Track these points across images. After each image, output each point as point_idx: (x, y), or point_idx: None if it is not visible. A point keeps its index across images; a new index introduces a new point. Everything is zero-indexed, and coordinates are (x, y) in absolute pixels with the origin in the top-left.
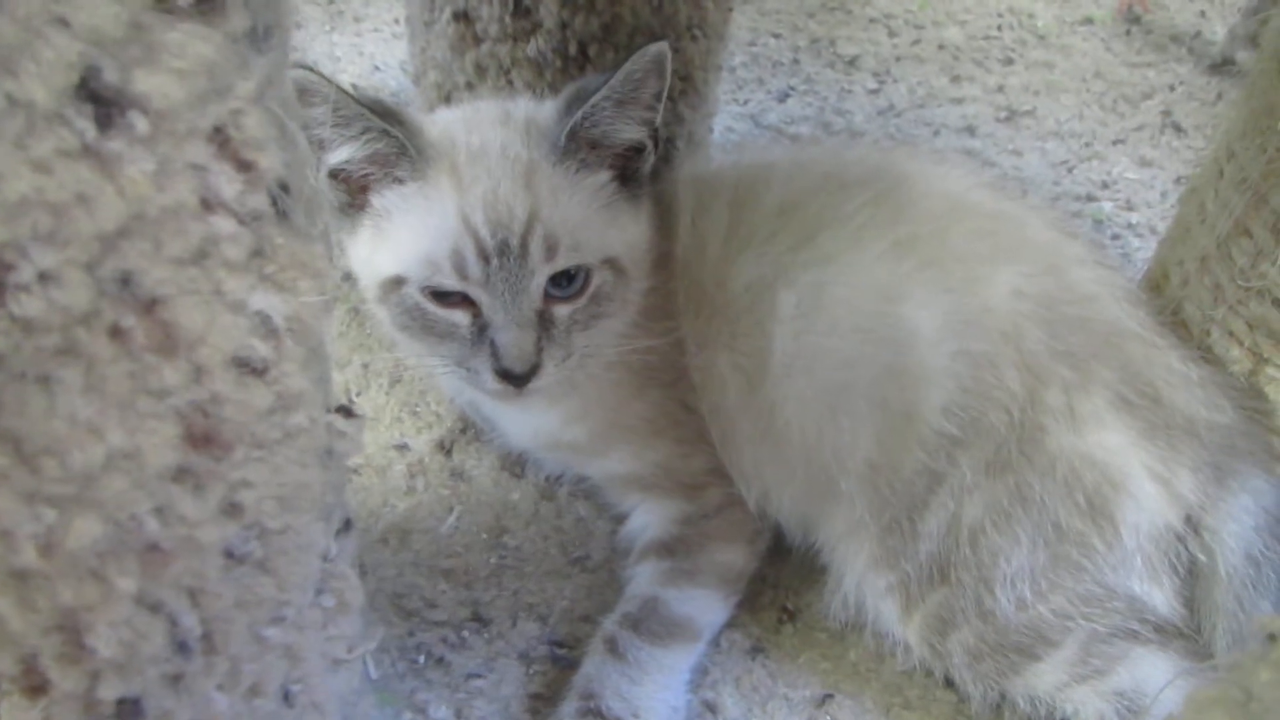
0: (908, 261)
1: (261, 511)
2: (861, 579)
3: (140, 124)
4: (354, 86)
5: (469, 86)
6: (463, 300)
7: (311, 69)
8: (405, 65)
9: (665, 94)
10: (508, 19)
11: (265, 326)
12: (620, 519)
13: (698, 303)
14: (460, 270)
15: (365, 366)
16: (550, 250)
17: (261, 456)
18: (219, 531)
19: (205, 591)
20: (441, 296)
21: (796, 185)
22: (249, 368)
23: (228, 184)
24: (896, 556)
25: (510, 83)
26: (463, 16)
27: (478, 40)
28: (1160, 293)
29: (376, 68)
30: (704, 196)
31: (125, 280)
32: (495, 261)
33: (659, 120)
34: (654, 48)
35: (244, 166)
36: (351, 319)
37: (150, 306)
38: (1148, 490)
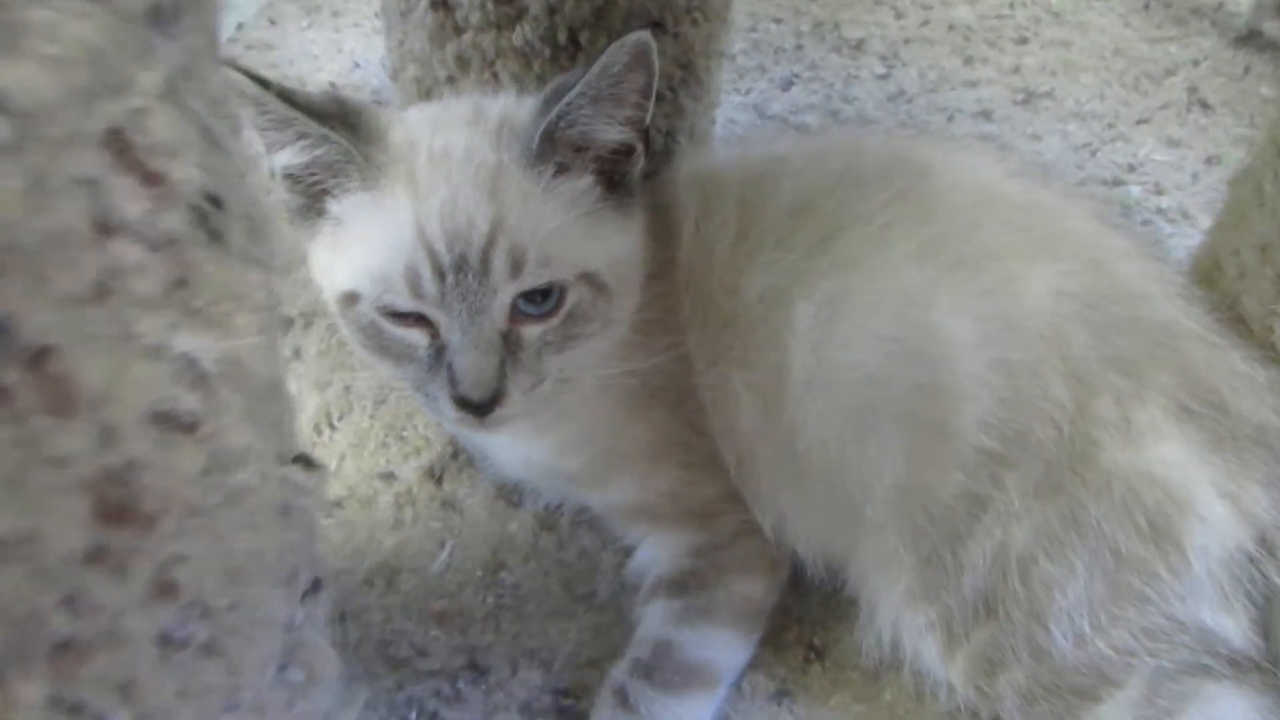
0: (936, 263)
1: (202, 588)
2: (897, 615)
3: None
4: (332, 85)
5: (450, 81)
6: (421, 319)
7: (234, 65)
8: (385, 61)
9: (653, 89)
10: (490, 6)
11: (191, 373)
12: (628, 550)
13: (705, 314)
14: (415, 288)
15: (347, 388)
16: (516, 266)
17: (198, 525)
18: (149, 618)
19: (138, 685)
20: (398, 315)
21: (810, 181)
22: (173, 424)
23: (130, 201)
24: (937, 590)
25: (495, 76)
26: (441, 4)
27: (458, 30)
28: (1214, 286)
29: (356, 64)
30: (709, 196)
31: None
32: (451, 278)
33: (648, 119)
34: (633, 37)
35: (151, 179)
36: (332, 336)
37: (37, 358)
38: (1216, 509)
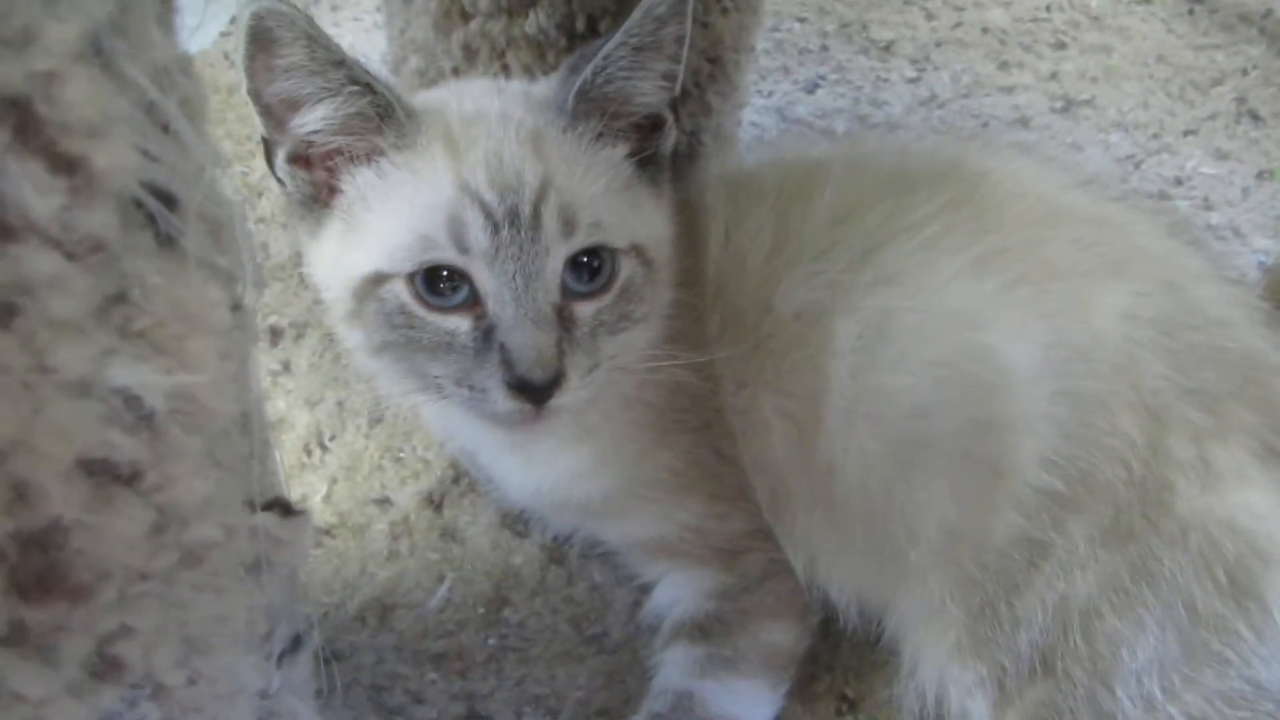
0: (993, 280)
1: (153, 664)
2: (943, 669)
3: None
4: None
5: (456, 72)
6: (462, 304)
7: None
8: (386, 57)
9: (686, 41)
10: None
11: (132, 412)
12: (645, 587)
13: (736, 331)
14: (459, 241)
15: (340, 404)
16: (568, 225)
17: (146, 592)
18: (85, 705)
19: None
20: (435, 297)
21: (854, 189)
22: (109, 475)
23: (36, 194)
24: (988, 645)
25: (505, 67)
26: None
27: (466, 16)
28: None
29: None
30: (741, 202)
31: None
32: (505, 232)
33: (681, 77)
34: None
35: (65, 164)
36: (325, 348)
37: None
38: None
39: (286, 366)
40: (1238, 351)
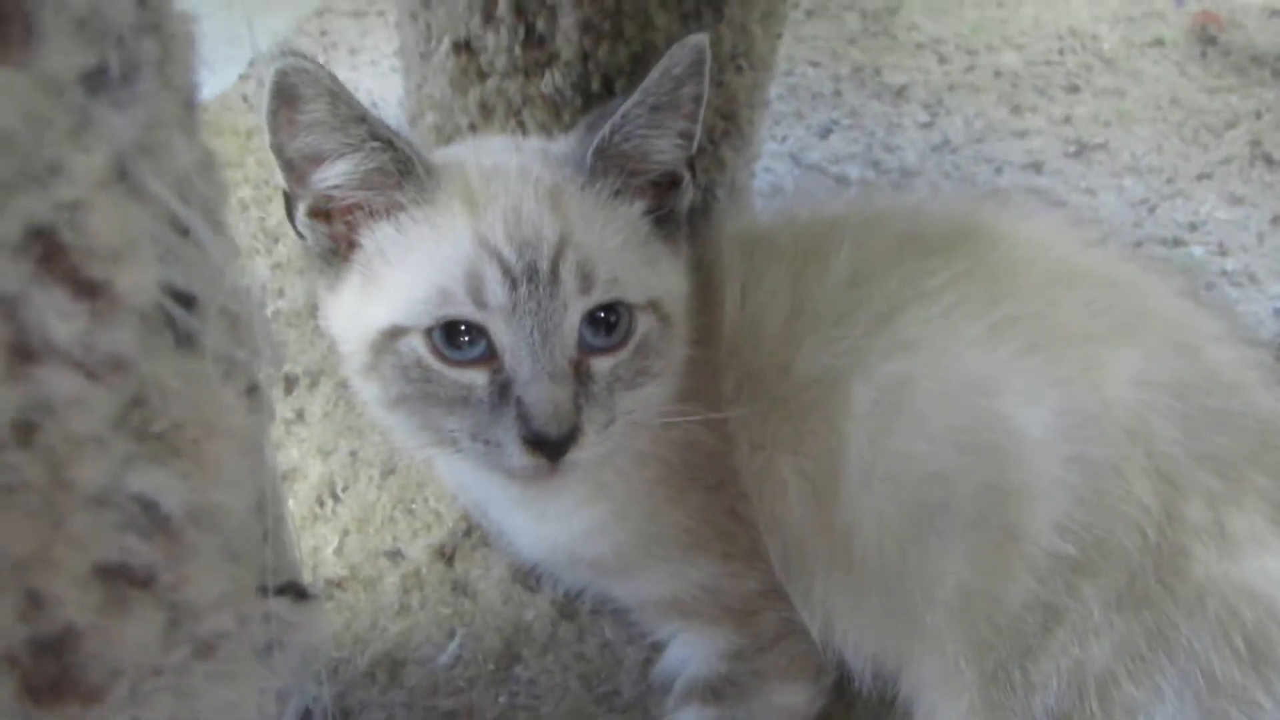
0: (1007, 348)
1: None
2: None
3: None
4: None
5: (472, 128)
6: (479, 358)
7: (303, 56)
8: (403, 102)
9: (704, 99)
10: (518, 49)
11: (149, 516)
12: (657, 645)
13: (752, 392)
14: (477, 296)
15: (354, 455)
16: (586, 280)
17: (159, 687)
18: None
19: None
20: (452, 351)
21: (870, 250)
22: (125, 578)
23: (59, 319)
24: (1003, 710)
25: (521, 125)
26: (464, 47)
27: (482, 75)
28: None
29: (373, 104)
30: (756, 261)
31: None
32: (523, 288)
33: (696, 139)
34: (692, 40)
35: (88, 290)
36: (339, 396)
37: None
38: None
39: (300, 415)
40: (1253, 415)
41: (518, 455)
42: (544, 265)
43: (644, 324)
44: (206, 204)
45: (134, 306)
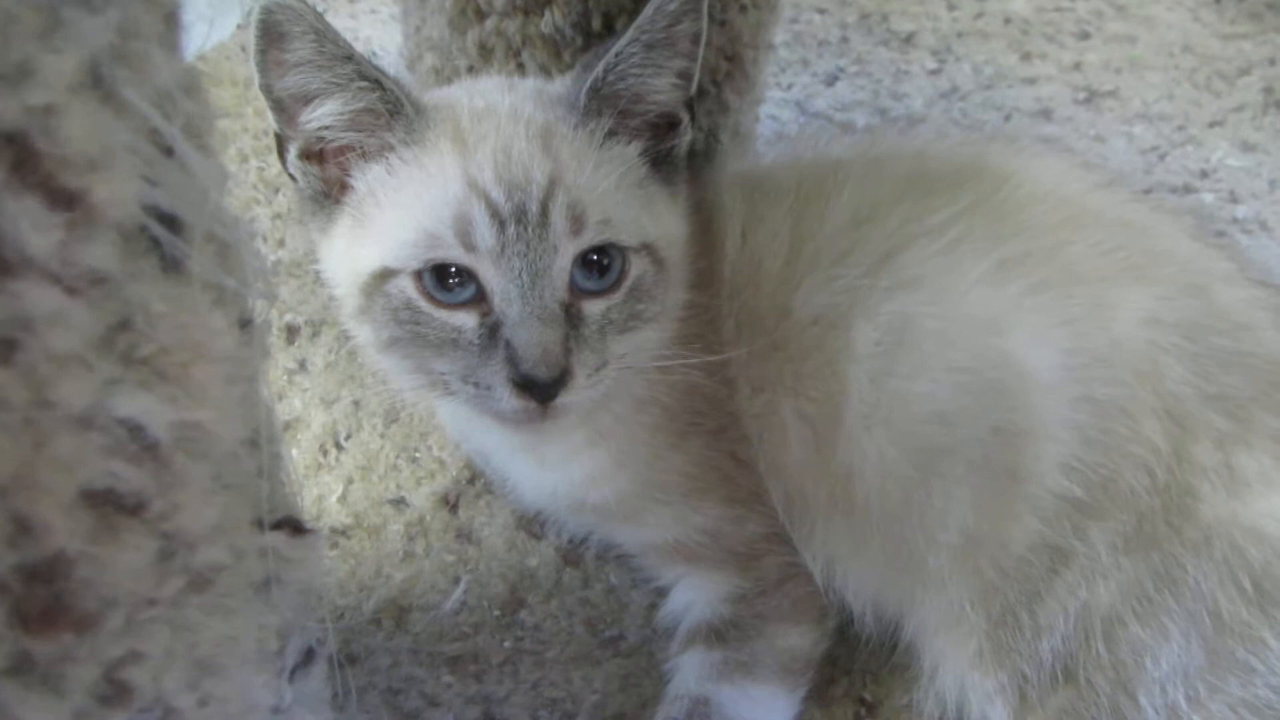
0: (1014, 285)
1: (163, 688)
2: (963, 676)
3: None
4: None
5: (471, 71)
6: (469, 300)
7: None
8: (403, 51)
9: (703, 39)
10: None
11: (136, 442)
12: (661, 590)
13: (752, 335)
14: (466, 239)
15: (357, 404)
16: (576, 222)
17: (154, 617)
18: None
19: None
20: (442, 293)
21: (873, 190)
22: (113, 505)
23: (34, 230)
24: (1009, 653)
25: (521, 66)
26: None
27: (481, 15)
28: None
29: (374, 52)
30: (757, 203)
31: None
32: (512, 229)
33: (695, 79)
34: None
35: (64, 199)
36: (341, 346)
37: None
38: None
39: (302, 365)
40: (1263, 356)
41: (507, 398)
42: (533, 207)
43: (637, 267)
44: (190, 124)
45: (113, 221)
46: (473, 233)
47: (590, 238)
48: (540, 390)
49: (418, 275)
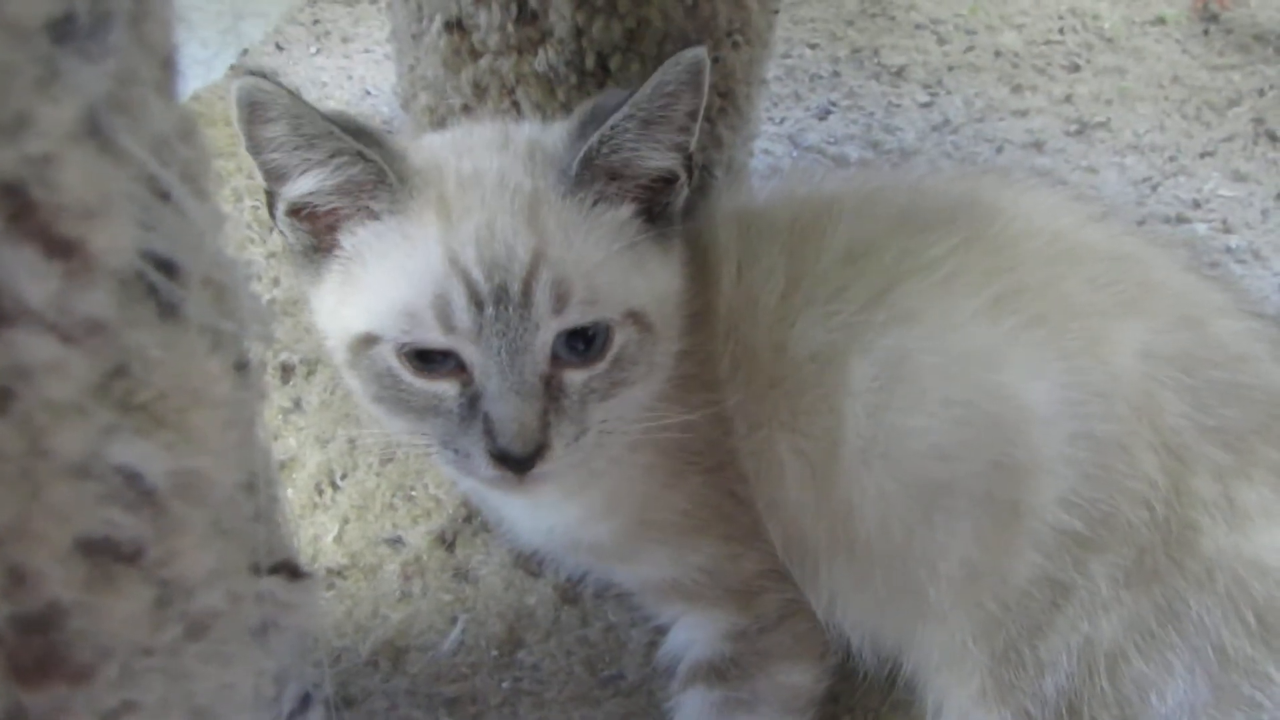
0: (1010, 320)
1: None
2: (967, 715)
3: None
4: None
5: (466, 110)
6: (450, 370)
7: (263, 75)
8: (397, 89)
9: (701, 111)
10: (510, 27)
11: (133, 489)
12: (661, 628)
13: (749, 372)
14: (445, 321)
15: (352, 442)
16: (560, 300)
17: (150, 666)
18: None
19: None
20: (423, 363)
21: (867, 225)
22: (110, 553)
23: (32, 279)
24: (1012, 690)
25: (515, 104)
26: (456, 26)
27: (475, 54)
28: None
29: (367, 92)
30: (753, 239)
31: None
32: (490, 310)
33: (694, 145)
34: (689, 54)
35: (61, 248)
36: (336, 384)
37: None
38: None
39: (297, 404)
40: (1260, 387)
41: (485, 467)
42: (515, 286)
43: (622, 335)
44: (187, 168)
45: (110, 269)
46: (452, 315)
47: (574, 318)
48: (516, 463)
49: (400, 345)
